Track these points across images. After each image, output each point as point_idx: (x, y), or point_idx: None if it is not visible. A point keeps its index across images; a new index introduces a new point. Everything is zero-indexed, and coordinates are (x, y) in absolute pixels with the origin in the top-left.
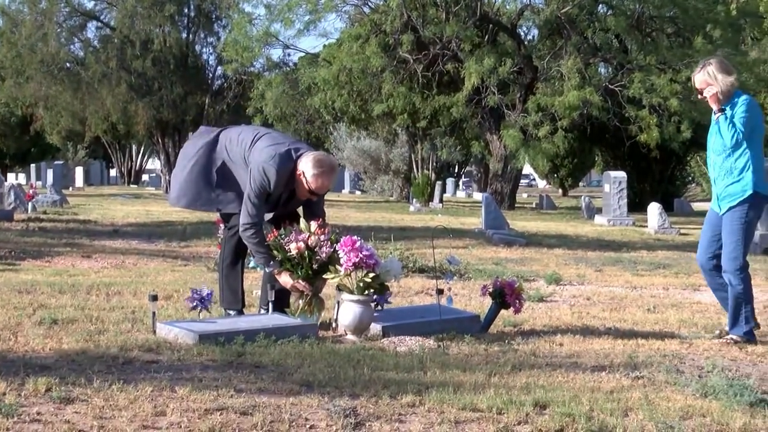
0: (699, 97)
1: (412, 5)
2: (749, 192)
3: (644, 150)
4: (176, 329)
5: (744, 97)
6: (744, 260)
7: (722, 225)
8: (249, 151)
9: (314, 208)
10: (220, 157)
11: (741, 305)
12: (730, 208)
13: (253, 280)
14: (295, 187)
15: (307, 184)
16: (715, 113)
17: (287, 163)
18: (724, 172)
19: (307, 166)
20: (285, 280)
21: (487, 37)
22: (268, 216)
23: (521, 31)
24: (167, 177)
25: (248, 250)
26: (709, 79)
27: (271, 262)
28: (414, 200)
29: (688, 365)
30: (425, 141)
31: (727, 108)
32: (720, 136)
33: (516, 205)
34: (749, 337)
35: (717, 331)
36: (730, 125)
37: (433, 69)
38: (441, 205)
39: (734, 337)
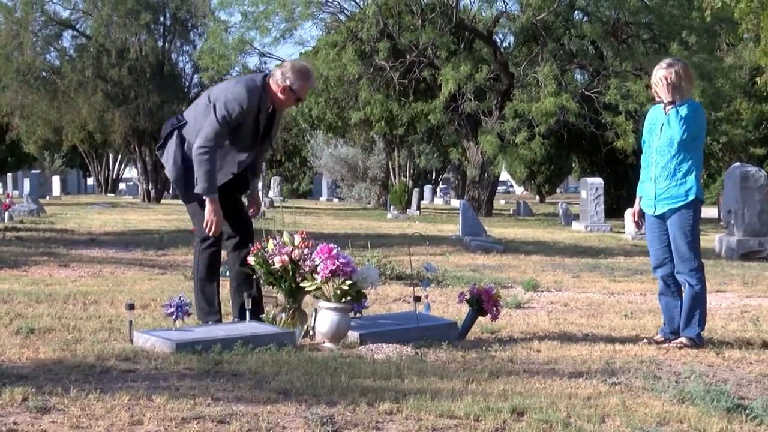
0: (651, 90)
1: (388, 13)
2: (692, 197)
3: (621, 156)
4: (153, 338)
5: (694, 102)
6: (699, 261)
7: (669, 230)
8: (210, 103)
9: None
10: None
11: (696, 306)
12: (672, 211)
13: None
14: (276, 103)
15: (294, 93)
16: (665, 106)
17: (254, 83)
18: (666, 173)
19: (290, 78)
20: (214, 208)
21: (463, 44)
22: (244, 159)
23: (497, 38)
24: (144, 185)
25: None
26: (674, 78)
27: (212, 194)
28: (391, 207)
29: (665, 371)
30: (402, 148)
31: (679, 106)
32: (666, 133)
33: (493, 212)
34: (700, 341)
35: (645, 339)
36: (682, 120)
37: (410, 76)
38: (418, 212)
39: (684, 340)
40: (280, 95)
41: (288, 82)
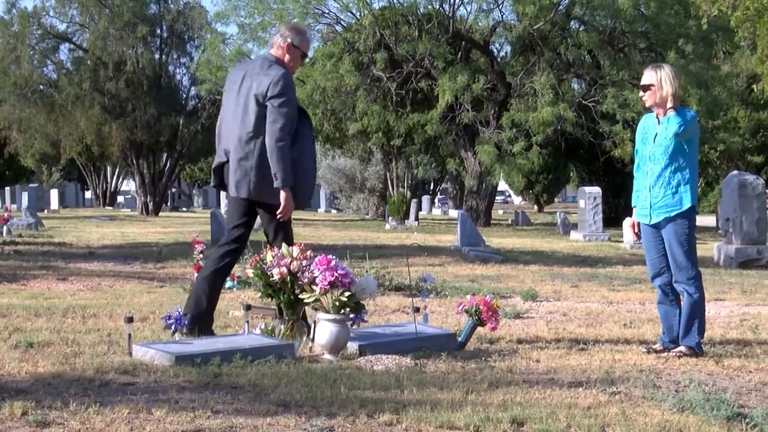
0: (640, 94)
1: (385, 23)
2: (687, 205)
3: (619, 165)
4: (152, 351)
5: (692, 111)
6: (697, 269)
7: (665, 239)
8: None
9: None
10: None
11: (695, 315)
12: (668, 220)
13: (229, 300)
14: (287, 68)
15: (299, 49)
16: (658, 116)
17: (276, 65)
18: (661, 182)
19: (290, 36)
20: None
21: (460, 54)
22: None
23: (494, 47)
24: (142, 198)
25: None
26: (654, 80)
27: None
28: (389, 218)
29: (664, 380)
30: (400, 159)
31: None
32: (660, 144)
33: (491, 222)
34: (699, 349)
35: (645, 348)
36: (680, 120)
37: (407, 87)
38: (417, 222)
39: (683, 349)
40: (287, 57)
41: (289, 40)
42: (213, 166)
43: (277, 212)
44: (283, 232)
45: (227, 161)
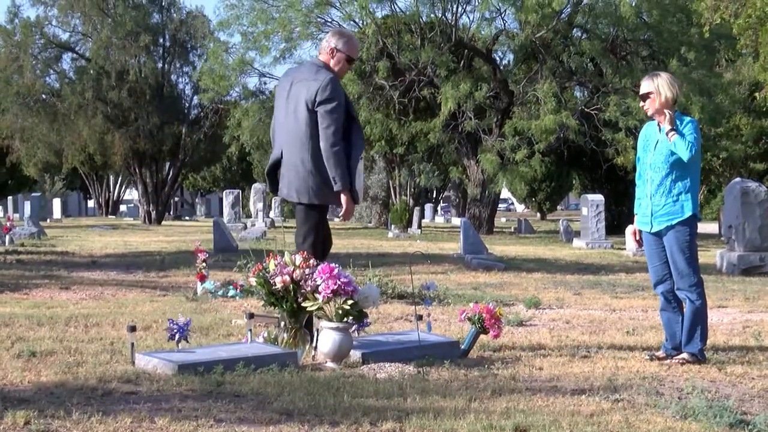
0: (641, 103)
1: (387, 32)
2: (688, 213)
3: (621, 173)
4: (155, 360)
5: (691, 118)
6: (699, 276)
7: (667, 247)
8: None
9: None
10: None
11: (697, 322)
12: (669, 227)
13: (232, 309)
14: (339, 73)
15: (342, 52)
16: (659, 124)
17: (324, 71)
18: (663, 190)
19: (333, 41)
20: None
21: (462, 62)
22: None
23: (496, 55)
24: (145, 207)
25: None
26: (652, 88)
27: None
28: (392, 226)
29: (667, 387)
30: (403, 167)
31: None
32: (660, 152)
33: (494, 230)
34: (702, 356)
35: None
36: (682, 138)
37: (410, 95)
38: (419, 230)
39: (686, 356)
40: (332, 61)
41: (333, 44)
42: (266, 170)
43: (340, 214)
44: (312, 237)
45: (280, 166)
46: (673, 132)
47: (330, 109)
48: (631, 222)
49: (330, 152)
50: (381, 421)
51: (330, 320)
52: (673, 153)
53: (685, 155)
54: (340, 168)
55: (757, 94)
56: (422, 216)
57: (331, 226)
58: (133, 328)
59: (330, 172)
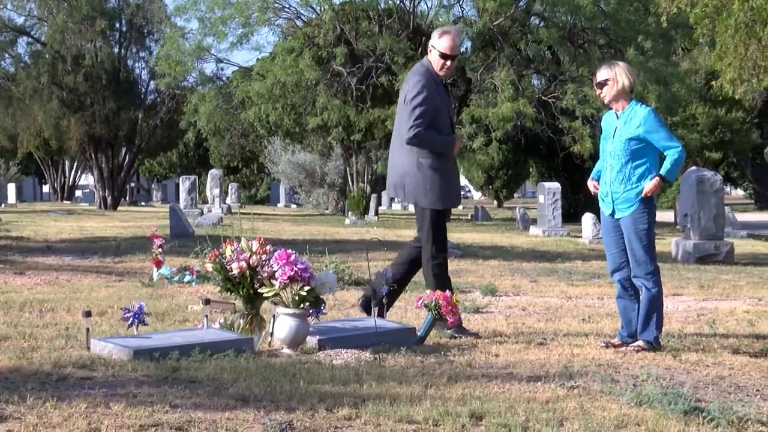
0: (597, 91)
1: (345, 18)
2: (646, 201)
3: (578, 161)
4: (110, 345)
5: (647, 107)
6: (655, 264)
7: (625, 233)
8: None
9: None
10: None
11: (653, 310)
12: (627, 215)
13: (188, 294)
14: (441, 75)
15: (437, 49)
16: (616, 112)
17: (419, 65)
18: (621, 177)
19: (433, 42)
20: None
21: (420, 49)
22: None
23: None
24: (101, 192)
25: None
26: (609, 75)
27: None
28: (349, 213)
29: (622, 374)
30: (360, 154)
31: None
32: (619, 140)
33: (451, 217)
34: (657, 344)
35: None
36: (669, 166)
37: (367, 82)
38: (376, 217)
39: (641, 343)
40: (428, 58)
41: (431, 44)
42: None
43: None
44: (433, 234)
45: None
46: (653, 188)
47: (418, 102)
48: (588, 210)
49: (416, 141)
50: (337, 407)
51: (286, 306)
52: (630, 140)
53: (683, 155)
54: (430, 142)
55: (713, 83)
56: (379, 203)
57: (287, 213)
58: (88, 314)
59: (430, 150)
